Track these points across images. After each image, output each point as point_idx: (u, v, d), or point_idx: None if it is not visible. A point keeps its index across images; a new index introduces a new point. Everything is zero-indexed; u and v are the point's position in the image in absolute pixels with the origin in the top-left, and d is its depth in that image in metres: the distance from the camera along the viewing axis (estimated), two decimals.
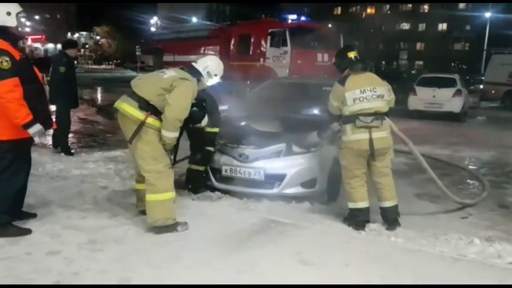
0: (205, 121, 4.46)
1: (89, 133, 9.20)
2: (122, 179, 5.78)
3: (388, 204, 4.40)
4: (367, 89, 4.27)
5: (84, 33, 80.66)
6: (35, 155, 6.83)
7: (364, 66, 4.42)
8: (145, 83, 3.98)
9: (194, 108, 4.06)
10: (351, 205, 4.44)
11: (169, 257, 3.45)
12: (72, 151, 7.35)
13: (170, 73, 3.97)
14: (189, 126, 4.34)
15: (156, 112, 3.84)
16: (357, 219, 4.39)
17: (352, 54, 4.49)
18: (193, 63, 4.27)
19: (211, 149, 5.12)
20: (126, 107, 3.87)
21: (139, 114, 3.82)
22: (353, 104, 4.26)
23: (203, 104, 4.27)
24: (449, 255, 3.70)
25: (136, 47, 41.75)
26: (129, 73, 45.22)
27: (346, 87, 4.29)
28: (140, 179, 4.17)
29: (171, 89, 3.84)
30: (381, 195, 4.41)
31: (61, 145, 7.29)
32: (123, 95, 4.02)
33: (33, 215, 4.13)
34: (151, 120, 3.83)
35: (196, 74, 4.13)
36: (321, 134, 4.98)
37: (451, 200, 5.19)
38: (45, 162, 6.36)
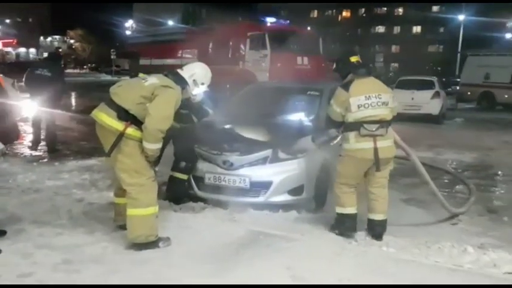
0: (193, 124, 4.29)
1: (62, 141, 8.81)
2: (98, 190, 5.50)
3: (378, 217, 4.23)
4: (373, 96, 4.08)
5: (57, 37, 79.07)
6: (5, 165, 6.58)
7: (368, 71, 4.26)
8: (125, 91, 3.70)
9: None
10: (339, 209, 4.28)
11: (152, 276, 3.21)
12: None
13: (152, 80, 3.71)
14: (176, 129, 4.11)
15: (137, 122, 3.58)
16: (343, 226, 4.24)
17: (354, 59, 4.31)
18: (178, 70, 3.99)
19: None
20: (104, 117, 3.61)
21: (118, 125, 3.56)
22: (357, 111, 4.06)
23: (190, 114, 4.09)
24: (445, 265, 3.58)
25: (111, 50, 41.11)
26: (104, 77, 44.47)
27: (350, 92, 4.08)
28: (119, 192, 3.91)
29: (152, 97, 3.58)
30: (372, 206, 4.24)
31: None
32: (101, 102, 3.75)
33: (3, 233, 3.83)
34: (131, 130, 3.57)
35: (181, 81, 3.87)
36: (315, 139, 4.79)
37: (449, 212, 5.03)
38: (16, 173, 6.03)
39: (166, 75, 3.84)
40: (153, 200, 3.67)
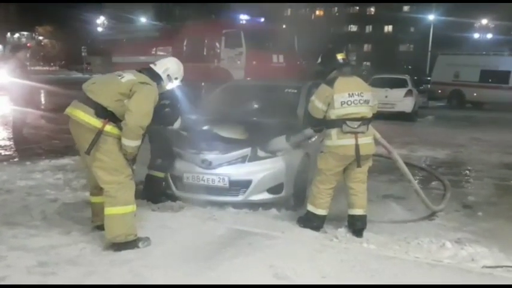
0: (178, 123, 4.19)
1: (33, 139, 8.55)
2: (72, 189, 5.36)
3: (358, 212, 4.28)
4: (355, 93, 4.13)
5: (25, 33, 76.90)
6: None
7: (353, 69, 4.33)
8: (101, 88, 3.61)
9: (167, 109, 3.82)
10: (310, 208, 4.33)
11: (131, 277, 3.13)
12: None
13: (129, 77, 3.63)
14: (155, 127, 4.03)
15: (115, 119, 3.50)
16: (311, 224, 4.30)
17: (340, 56, 4.35)
18: (151, 66, 3.94)
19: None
20: (81, 114, 3.50)
21: (96, 122, 3.47)
22: (340, 108, 4.10)
23: (177, 105, 3.99)
24: (425, 261, 3.62)
25: (82, 47, 40.22)
26: (75, 75, 43.51)
27: (335, 89, 4.12)
28: (95, 191, 3.81)
29: (130, 94, 3.51)
30: (352, 201, 4.29)
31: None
32: (74, 100, 3.64)
33: None
34: (109, 128, 3.48)
35: (155, 77, 3.82)
36: (289, 138, 4.79)
37: (430, 210, 5.08)
38: None
39: (140, 72, 3.78)
40: (131, 199, 3.59)
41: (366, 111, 4.18)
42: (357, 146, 4.09)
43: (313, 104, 4.24)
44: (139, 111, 3.47)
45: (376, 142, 4.59)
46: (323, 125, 4.30)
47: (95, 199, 3.87)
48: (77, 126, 3.56)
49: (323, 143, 4.29)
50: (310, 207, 4.34)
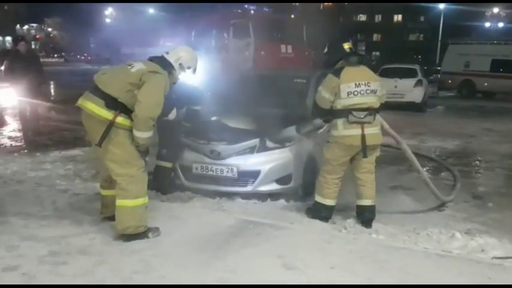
0: (173, 114, 4.17)
1: (43, 131, 8.61)
2: (82, 180, 5.40)
3: (366, 202, 4.28)
4: (362, 83, 4.11)
5: (34, 25, 77.22)
6: None
7: (360, 59, 4.27)
8: (111, 79, 3.56)
9: None
10: (318, 199, 4.34)
11: (141, 267, 3.16)
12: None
13: (138, 66, 3.57)
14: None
15: (126, 110, 3.46)
16: (319, 215, 4.30)
17: (347, 46, 4.32)
18: (164, 54, 3.85)
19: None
20: (91, 105, 3.47)
21: (107, 114, 3.44)
22: (346, 98, 4.09)
23: (172, 96, 3.94)
24: (434, 252, 3.61)
25: (91, 39, 40.33)
26: (84, 66, 43.70)
27: (341, 79, 4.10)
28: (106, 184, 3.82)
29: (140, 84, 3.46)
30: (360, 192, 4.28)
31: None
32: (86, 91, 3.62)
33: None
34: (121, 119, 3.45)
35: (167, 66, 3.73)
36: (300, 128, 4.78)
37: (438, 200, 5.04)
38: None
39: (151, 60, 3.71)
40: (143, 191, 3.59)
41: (373, 101, 4.15)
42: (363, 136, 4.08)
43: (320, 94, 4.23)
44: (148, 102, 3.43)
45: (385, 132, 4.57)
46: (330, 115, 4.28)
47: (105, 192, 3.87)
48: (88, 117, 3.53)
49: (330, 133, 4.28)
50: (318, 198, 4.34)
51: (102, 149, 3.50)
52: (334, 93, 4.13)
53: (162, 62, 3.73)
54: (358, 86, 4.09)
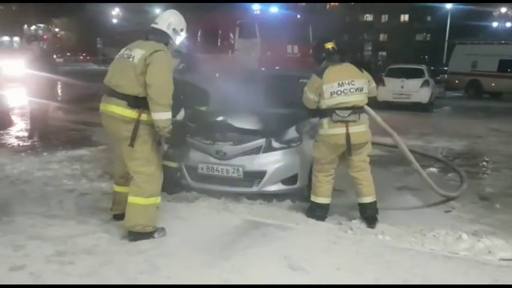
0: (181, 115, 4.18)
1: (50, 131, 8.65)
2: (89, 180, 5.42)
3: (366, 200, 4.29)
4: (346, 82, 4.14)
5: (42, 25, 77.55)
6: None
7: (341, 57, 4.31)
8: (122, 79, 3.50)
9: None
10: (312, 198, 4.39)
11: (147, 267, 3.17)
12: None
13: (138, 53, 3.47)
14: None
15: (147, 105, 3.45)
16: (314, 214, 4.33)
17: (329, 45, 4.35)
18: (153, 25, 3.70)
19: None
20: (115, 108, 3.46)
21: (132, 113, 3.44)
22: (330, 98, 4.14)
23: (179, 97, 3.95)
24: (441, 253, 3.59)
25: (98, 39, 40.47)
26: (90, 66, 43.87)
27: (324, 79, 4.16)
28: (121, 180, 3.84)
29: (147, 67, 3.41)
30: (359, 190, 4.32)
31: None
32: (103, 96, 3.60)
33: None
34: (145, 116, 3.45)
35: (163, 36, 3.63)
36: (299, 128, 4.80)
37: (435, 193, 5.08)
38: (3, 164, 5.91)
39: (147, 39, 3.62)
40: (157, 191, 3.60)
41: (358, 99, 4.18)
42: (347, 135, 4.10)
43: (306, 95, 4.29)
44: (157, 83, 3.38)
45: (385, 132, 4.57)
46: (317, 114, 4.31)
47: (119, 189, 3.87)
48: (112, 120, 3.51)
49: (317, 132, 4.33)
50: (312, 197, 4.40)
51: (124, 147, 3.50)
52: (318, 94, 4.18)
53: (158, 36, 3.62)
54: (341, 85, 4.13)
